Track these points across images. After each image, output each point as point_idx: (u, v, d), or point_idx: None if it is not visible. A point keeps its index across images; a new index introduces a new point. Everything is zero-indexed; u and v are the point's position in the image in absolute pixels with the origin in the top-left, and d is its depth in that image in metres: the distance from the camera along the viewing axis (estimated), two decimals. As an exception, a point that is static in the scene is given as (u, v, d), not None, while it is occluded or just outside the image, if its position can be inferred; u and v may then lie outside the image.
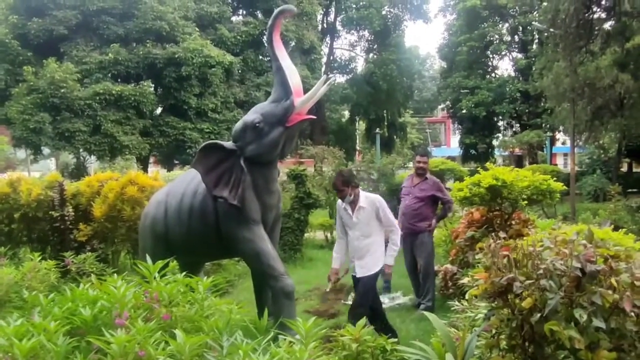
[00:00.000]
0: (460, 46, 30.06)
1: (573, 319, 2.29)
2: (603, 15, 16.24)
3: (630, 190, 20.28)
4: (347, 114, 35.29)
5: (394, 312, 6.26)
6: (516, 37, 31.53)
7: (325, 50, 31.08)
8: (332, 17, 31.52)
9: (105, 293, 2.99)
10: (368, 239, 4.70)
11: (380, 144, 28.92)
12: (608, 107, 17.63)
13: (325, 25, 31.46)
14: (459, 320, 3.81)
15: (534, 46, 29.44)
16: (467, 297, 2.92)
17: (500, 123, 32.53)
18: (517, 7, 28.24)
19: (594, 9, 15.43)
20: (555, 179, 6.26)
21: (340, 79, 33.22)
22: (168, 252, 4.79)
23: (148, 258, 3.30)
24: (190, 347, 2.48)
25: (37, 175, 16.74)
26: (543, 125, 27.61)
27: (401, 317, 5.99)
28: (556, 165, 30.12)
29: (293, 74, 4.78)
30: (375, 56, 31.33)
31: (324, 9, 30.24)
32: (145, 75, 20.44)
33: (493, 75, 32.01)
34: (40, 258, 6.10)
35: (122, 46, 19.80)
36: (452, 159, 35.51)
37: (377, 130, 29.61)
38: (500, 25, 31.32)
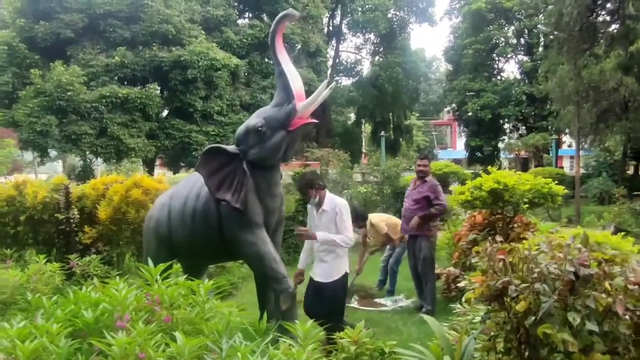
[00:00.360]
0: (466, 49, 30.08)
1: (567, 322, 2.31)
2: (607, 19, 16.21)
3: (636, 192, 20.16)
4: (352, 116, 35.35)
5: (397, 314, 6.29)
6: (522, 39, 31.51)
7: (331, 53, 31.21)
8: (338, 20, 31.60)
9: (107, 296, 3.03)
10: (324, 245, 4.62)
11: (386, 147, 28.94)
12: (613, 110, 17.58)
13: (331, 28, 31.54)
14: (460, 323, 3.83)
15: (540, 49, 29.42)
16: (463, 299, 2.94)
17: (506, 126, 32.50)
18: (522, 10, 28.21)
19: (598, 12, 15.41)
20: (557, 182, 6.27)
21: (346, 81, 33.35)
22: (171, 255, 4.84)
23: (150, 261, 3.34)
24: (190, 350, 2.51)
25: (44, 177, 16.87)
26: (549, 127, 27.56)
27: (403, 319, 6.01)
28: (562, 168, 30.00)
29: (295, 79, 4.81)
30: (381, 59, 31.38)
31: (330, 12, 30.33)
32: (151, 78, 20.58)
33: (499, 78, 31.98)
34: (45, 260, 6.16)
35: (129, 49, 19.95)
36: (458, 161, 35.50)
37: (383, 132, 29.65)
38: (506, 28, 31.31)
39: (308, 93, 4.92)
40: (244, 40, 22.88)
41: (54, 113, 18.27)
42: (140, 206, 7.09)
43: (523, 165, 30.53)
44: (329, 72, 28.89)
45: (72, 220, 7.36)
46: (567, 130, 25.15)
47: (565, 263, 2.36)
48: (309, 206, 4.89)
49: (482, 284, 2.57)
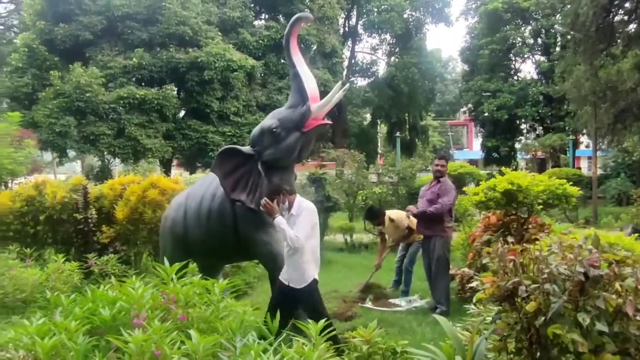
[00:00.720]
0: (482, 49, 29.85)
1: (578, 322, 2.31)
2: (625, 18, 15.99)
3: (655, 193, 19.88)
4: (368, 117, 35.29)
5: (411, 315, 6.28)
6: (539, 39, 31.17)
7: (346, 53, 31.17)
8: (353, 20, 31.57)
9: (124, 294, 3.11)
10: (297, 249, 4.45)
11: (402, 147, 28.85)
12: (631, 110, 17.32)
13: (346, 29, 31.53)
14: (474, 323, 3.83)
15: (557, 49, 29.09)
16: (474, 300, 2.96)
17: (523, 126, 32.18)
18: (539, 10, 27.93)
19: (615, 12, 15.20)
20: (574, 183, 6.22)
21: (362, 82, 33.29)
22: (187, 254, 4.91)
23: (166, 260, 3.40)
24: (205, 347, 2.57)
25: (63, 177, 17.16)
26: (566, 128, 27.25)
27: (417, 320, 6.00)
28: (579, 168, 29.66)
29: (309, 80, 4.85)
30: (396, 59, 31.28)
31: (346, 13, 30.32)
32: (168, 79, 20.78)
33: (515, 78, 31.68)
34: (64, 259, 6.29)
35: (146, 51, 20.17)
36: (475, 162, 35.23)
37: (398, 133, 29.55)
38: (522, 28, 31.00)
39: (324, 94, 4.96)
40: (260, 41, 23.00)
41: (72, 114, 18.55)
42: (157, 206, 7.18)
43: (540, 166, 30.22)
44: (344, 72, 28.88)
45: (90, 220, 7.48)
46: (584, 131, 24.85)
47: (575, 264, 2.37)
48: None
49: (493, 284, 2.58)
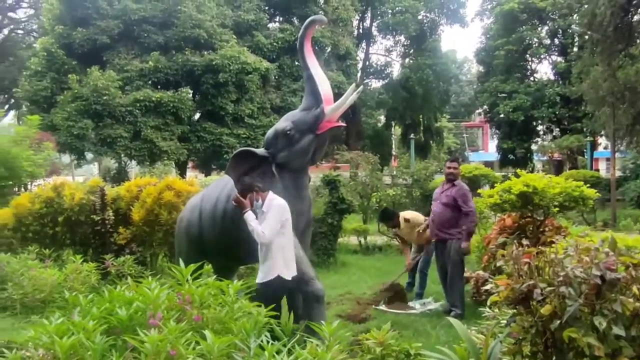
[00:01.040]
0: (498, 50, 29.59)
1: (594, 326, 2.29)
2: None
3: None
4: (382, 119, 35.21)
5: (425, 317, 6.26)
6: (555, 40, 30.84)
7: (361, 55, 31.14)
8: (367, 22, 31.54)
9: (140, 295, 3.14)
10: (265, 246, 4.46)
11: (416, 149, 28.73)
12: (650, 111, 17.10)
13: (361, 30, 31.51)
14: (488, 327, 3.81)
15: (574, 49, 28.75)
16: (489, 303, 2.94)
17: (539, 127, 31.84)
18: (556, 10, 27.65)
19: (634, 12, 14.99)
20: (591, 185, 6.16)
21: (376, 84, 33.24)
22: (202, 255, 4.95)
23: (181, 261, 3.44)
24: (219, 348, 2.59)
25: (81, 179, 17.37)
26: (583, 129, 26.90)
27: (432, 322, 5.98)
28: (598, 170, 29.26)
29: (323, 82, 4.87)
30: (411, 61, 31.17)
31: (360, 15, 30.30)
32: (183, 82, 20.95)
33: (532, 79, 31.36)
34: (82, 260, 6.39)
35: (162, 54, 20.37)
36: (490, 164, 34.97)
37: (413, 135, 29.43)
38: (539, 29, 30.68)
39: (338, 96, 4.97)
40: (275, 43, 23.08)
41: (90, 117, 18.79)
42: (173, 208, 7.25)
43: (557, 168, 29.91)
44: (358, 74, 28.85)
45: (107, 222, 7.57)
46: (602, 132, 24.53)
47: (591, 267, 2.35)
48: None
49: (507, 287, 2.57)
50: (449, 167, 6.48)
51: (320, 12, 22.99)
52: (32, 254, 6.77)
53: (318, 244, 9.68)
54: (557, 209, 5.70)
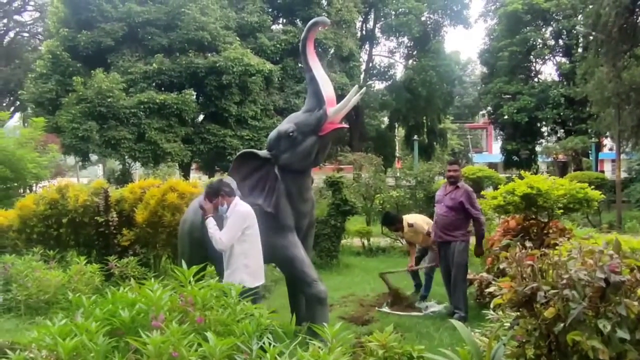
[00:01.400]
0: (502, 51, 29.52)
1: (598, 329, 2.28)
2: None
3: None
4: (386, 120, 35.21)
5: (429, 320, 6.24)
6: (560, 41, 30.77)
7: (364, 57, 31.17)
8: (371, 24, 31.56)
9: (143, 296, 3.14)
10: (228, 251, 4.43)
11: (420, 151, 28.69)
12: (656, 112, 17.03)
13: (364, 32, 31.53)
14: (492, 329, 3.80)
15: (579, 50, 28.68)
16: (492, 305, 2.93)
17: (544, 129, 31.76)
18: (560, 11, 27.58)
19: (639, 12, 14.93)
20: (596, 187, 6.13)
21: (379, 85, 33.27)
22: (205, 257, 4.95)
23: (184, 263, 3.44)
24: (221, 350, 2.59)
25: (85, 181, 17.44)
26: (588, 131, 26.81)
27: (435, 325, 5.96)
28: (603, 172, 29.16)
29: (326, 84, 4.86)
30: (414, 62, 31.17)
31: (363, 17, 30.33)
32: (187, 84, 21.01)
33: (536, 80, 31.29)
34: (85, 261, 6.40)
35: (166, 56, 20.44)
36: (494, 165, 34.92)
37: (416, 136, 29.41)
38: (543, 29, 30.61)
39: (341, 97, 4.96)
40: (278, 45, 23.13)
41: (94, 119, 18.86)
42: (176, 210, 7.24)
43: (562, 169, 29.82)
44: (361, 76, 28.85)
45: (111, 223, 7.57)
46: (607, 134, 24.43)
47: (595, 269, 2.33)
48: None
49: (510, 289, 2.56)
50: (450, 170, 6.46)
51: (324, 13, 23.03)
52: (36, 255, 6.79)
53: (321, 245, 9.67)
54: (561, 210, 5.68)
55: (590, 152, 28.17)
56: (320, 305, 4.77)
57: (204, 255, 5.06)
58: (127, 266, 6.77)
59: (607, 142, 32.85)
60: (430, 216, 7.31)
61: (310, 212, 5.14)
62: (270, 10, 24.75)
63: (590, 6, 17.22)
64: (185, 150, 20.62)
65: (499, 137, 35.75)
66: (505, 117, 29.46)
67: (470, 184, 6.93)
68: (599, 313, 2.34)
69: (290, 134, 4.79)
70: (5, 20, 32.62)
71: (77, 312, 3.17)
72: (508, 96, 29.30)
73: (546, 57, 31.21)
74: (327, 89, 4.83)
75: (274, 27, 25.33)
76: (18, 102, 30.75)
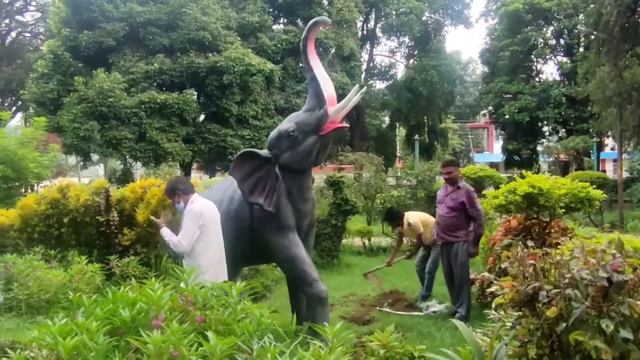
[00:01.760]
0: (503, 51, 29.49)
1: (601, 329, 2.27)
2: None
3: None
4: (387, 120, 35.22)
5: (430, 319, 6.24)
6: (561, 40, 30.74)
7: (365, 56, 31.16)
8: (372, 24, 31.57)
9: (143, 296, 3.13)
10: (188, 251, 4.42)
11: (421, 150, 28.68)
12: (657, 111, 16.99)
13: (365, 32, 31.53)
14: (493, 329, 3.78)
15: (580, 49, 28.64)
16: (493, 305, 2.92)
17: (545, 128, 31.74)
18: (561, 10, 27.54)
19: (640, 11, 14.91)
20: (597, 186, 6.12)
21: (380, 85, 33.28)
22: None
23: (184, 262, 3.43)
24: (222, 349, 2.58)
25: (86, 180, 17.45)
26: (590, 130, 26.78)
27: (437, 325, 5.96)
28: (604, 171, 29.12)
29: (327, 83, 4.85)
30: (415, 62, 31.17)
31: (364, 16, 30.32)
32: (188, 84, 21.03)
33: (537, 79, 31.26)
34: (87, 261, 6.40)
35: (167, 56, 20.46)
36: (495, 165, 34.89)
37: (417, 136, 29.41)
38: (544, 29, 30.59)
39: (342, 97, 4.95)
40: (279, 45, 23.14)
41: (96, 119, 18.88)
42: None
43: (563, 169, 29.79)
44: (362, 75, 28.86)
45: (112, 223, 7.56)
46: (609, 133, 24.40)
47: (598, 269, 2.32)
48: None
49: (512, 289, 2.55)
50: (445, 172, 6.45)
51: (325, 13, 23.02)
52: (37, 254, 6.78)
53: (322, 245, 9.67)
54: (563, 210, 5.66)
55: (591, 151, 28.12)
56: (321, 305, 4.76)
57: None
58: (128, 266, 6.76)
59: (609, 141, 32.80)
60: (433, 215, 7.32)
61: (311, 212, 5.14)
62: (271, 10, 24.75)
63: (592, 5, 17.21)
64: (186, 150, 20.64)
65: (500, 137, 35.75)
66: (507, 116, 29.43)
67: (471, 184, 6.91)
68: (602, 313, 2.33)
69: (291, 133, 4.78)
70: (7, 21, 32.68)
71: (78, 311, 3.16)
72: (509, 96, 29.28)
73: (547, 57, 31.19)
74: (328, 89, 4.82)
75: (274, 26, 25.35)
76: (20, 102, 30.81)
